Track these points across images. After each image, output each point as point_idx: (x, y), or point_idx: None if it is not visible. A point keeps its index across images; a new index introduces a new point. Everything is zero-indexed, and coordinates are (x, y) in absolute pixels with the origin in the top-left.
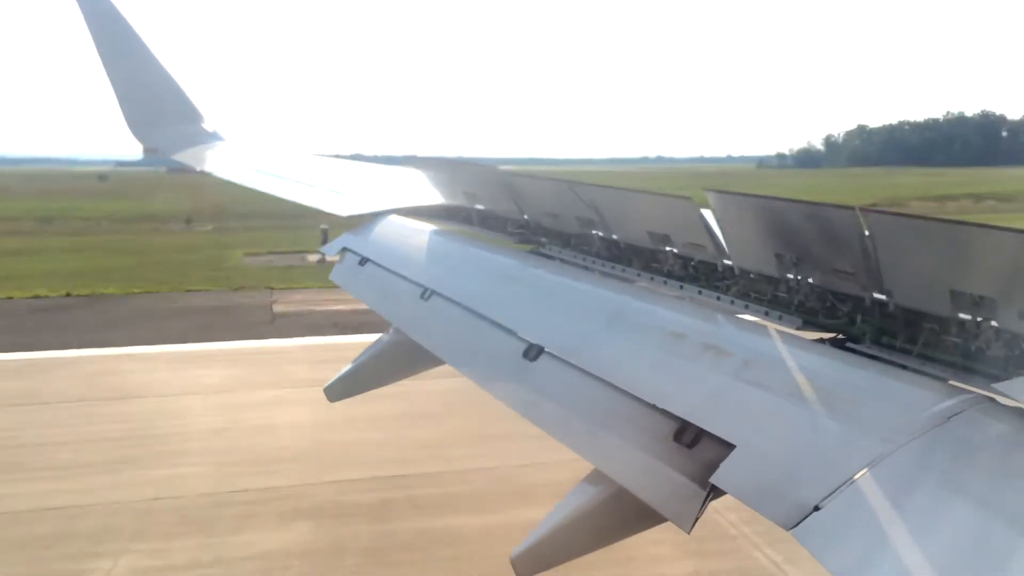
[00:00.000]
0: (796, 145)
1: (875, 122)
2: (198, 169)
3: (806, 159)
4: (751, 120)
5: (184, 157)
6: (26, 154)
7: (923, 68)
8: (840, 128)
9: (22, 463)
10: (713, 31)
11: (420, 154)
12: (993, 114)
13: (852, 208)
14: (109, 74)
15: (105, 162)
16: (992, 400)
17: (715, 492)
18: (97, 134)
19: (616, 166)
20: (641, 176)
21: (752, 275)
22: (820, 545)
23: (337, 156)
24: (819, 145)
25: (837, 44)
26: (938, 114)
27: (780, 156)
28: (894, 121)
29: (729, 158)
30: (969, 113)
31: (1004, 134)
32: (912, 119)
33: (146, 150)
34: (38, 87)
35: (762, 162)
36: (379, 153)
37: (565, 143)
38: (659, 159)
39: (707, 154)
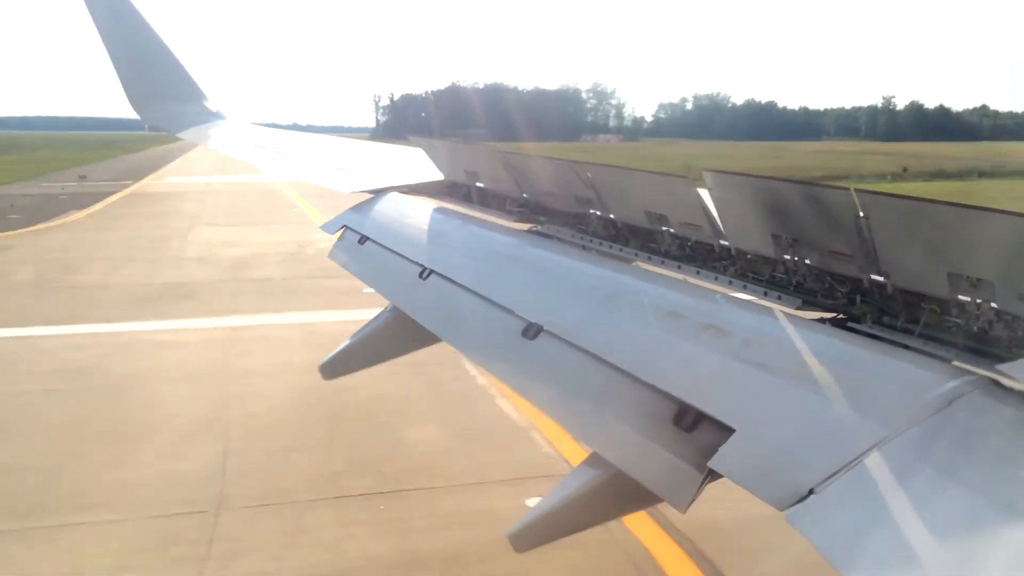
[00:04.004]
0: None
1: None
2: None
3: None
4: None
5: (189, 135)
6: None
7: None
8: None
9: None
10: None
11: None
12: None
13: (847, 189)
14: (109, 51)
15: None
16: (996, 383)
17: (713, 475)
18: None
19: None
20: None
21: (749, 255)
22: (812, 529)
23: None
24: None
25: None
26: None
27: None
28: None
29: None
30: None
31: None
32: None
33: (150, 128)
34: None
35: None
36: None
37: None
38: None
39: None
